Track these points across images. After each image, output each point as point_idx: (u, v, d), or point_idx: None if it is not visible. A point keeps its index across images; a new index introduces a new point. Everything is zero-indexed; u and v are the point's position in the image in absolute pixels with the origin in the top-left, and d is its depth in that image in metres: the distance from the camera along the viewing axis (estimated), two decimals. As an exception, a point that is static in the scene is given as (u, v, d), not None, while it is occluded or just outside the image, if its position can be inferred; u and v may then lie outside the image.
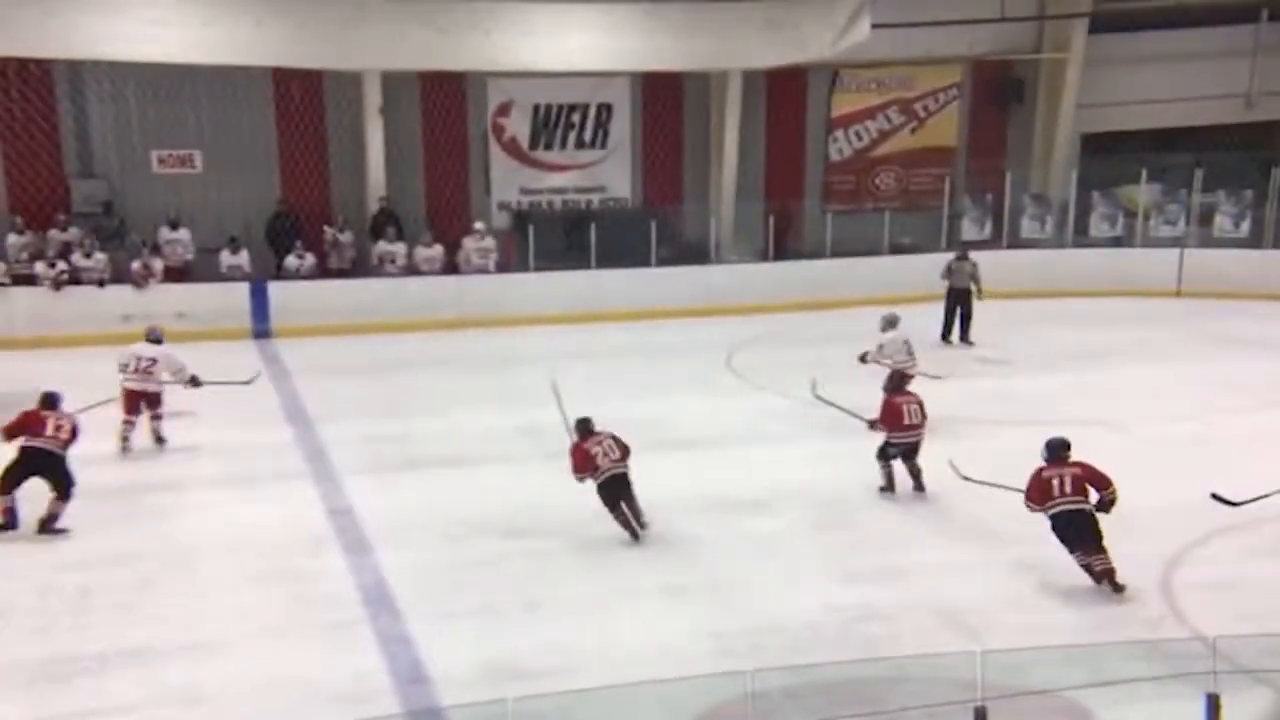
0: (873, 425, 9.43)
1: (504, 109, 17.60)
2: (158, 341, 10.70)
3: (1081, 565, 7.45)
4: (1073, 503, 7.42)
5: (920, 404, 9.40)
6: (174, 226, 15.34)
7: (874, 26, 16.51)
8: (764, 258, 17.84)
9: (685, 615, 7.34)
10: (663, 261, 17.16)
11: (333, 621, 7.28)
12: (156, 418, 10.56)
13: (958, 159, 19.59)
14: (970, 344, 14.78)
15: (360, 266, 16.18)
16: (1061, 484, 7.45)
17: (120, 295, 14.37)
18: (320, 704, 6.29)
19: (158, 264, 14.85)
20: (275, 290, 15.21)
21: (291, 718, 6.18)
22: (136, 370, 10.44)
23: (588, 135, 18.06)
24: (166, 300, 14.55)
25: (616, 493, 8.41)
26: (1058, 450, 7.62)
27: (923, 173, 19.50)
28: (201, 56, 14.50)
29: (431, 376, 13.24)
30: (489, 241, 16.50)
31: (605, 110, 18.04)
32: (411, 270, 16.12)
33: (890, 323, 11.33)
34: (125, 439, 10.36)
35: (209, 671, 6.65)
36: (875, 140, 19.49)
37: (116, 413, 10.35)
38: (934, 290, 15.14)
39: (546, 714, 5.44)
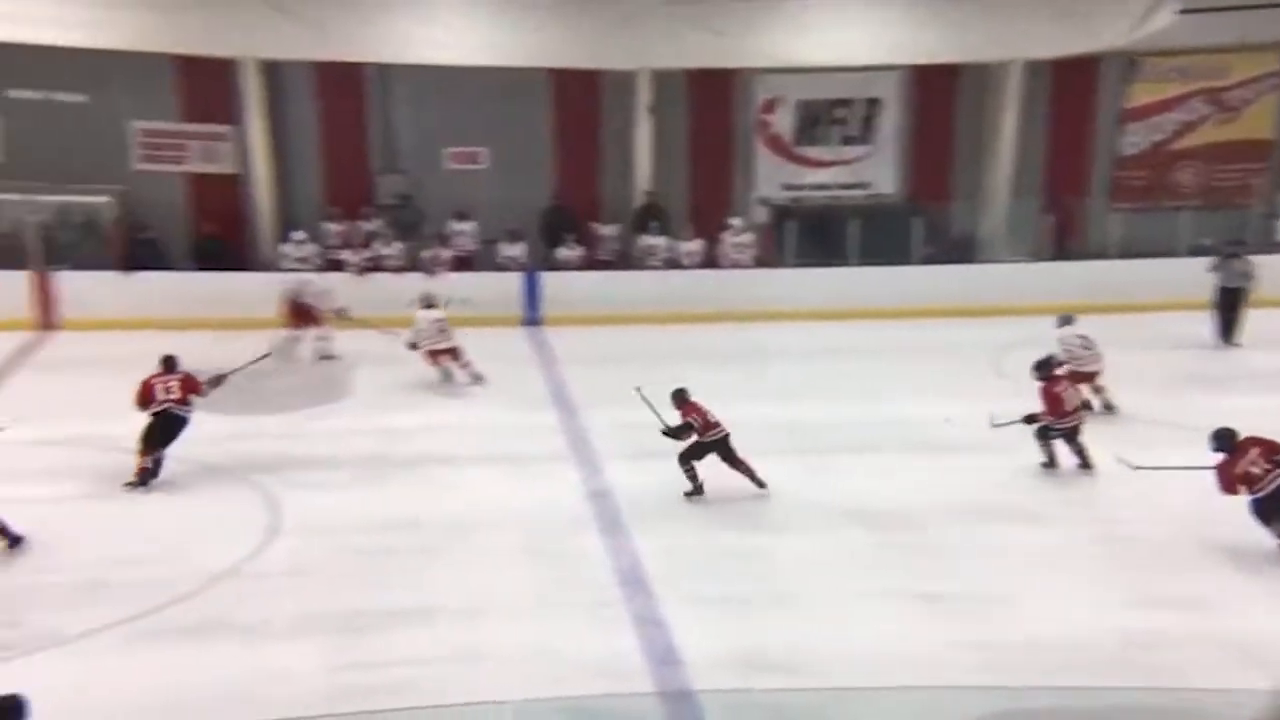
0: (1030, 420, 9.71)
1: (770, 105, 17.68)
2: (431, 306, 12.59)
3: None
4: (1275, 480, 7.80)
5: (1076, 388, 9.87)
6: (461, 219, 16.53)
7: (1182, 12, 15.29)
8: (1039, 257, 16.96)
9: (942, 624, 7.19)
10: (926, 259, 16.68)
11: (592, 599, 7.67)
12: (465, 364, 12.51)
13: (1275, 153, 17.81)
14: (1237, 345, 13.73)
15: (625, 259, 16.78)
16: (1255, 469, 7.84)
17: (414, 281, 15.64)
18: (581, 675, 6.67)
19: (446, 253, 16.05)
20: (547, 280, 16.05)
21: (556, 684, 6.60)
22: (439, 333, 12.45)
23: (853, 130, 17.83)
24: (454, 286, 15.69)
25: (714, 451, 9.31)
26: (1229, 439, 8.03)
27: (1230, 168, 17.88)
28: (491, 59, 15.54)
29: (689, 368, 13.47)
30: (747, 236, 16.66)
31: (873, 105, 17.74)
32: (673, 263, 16.54)
33: (1065, 320, 11.60)
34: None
35: (484, 634, 7.20)
36: (1176, 133, 18.05)
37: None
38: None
39: (796, 708, 5.50)
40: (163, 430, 9.55)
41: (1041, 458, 9.82)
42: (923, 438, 10.62)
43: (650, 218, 16.74)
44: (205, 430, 10.73)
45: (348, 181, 16.61)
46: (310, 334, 13.69)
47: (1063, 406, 9.66)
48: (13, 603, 7.31)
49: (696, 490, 9.38)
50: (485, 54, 15.50)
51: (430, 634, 7.20)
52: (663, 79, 16.60)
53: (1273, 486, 7.77)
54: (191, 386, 9.76)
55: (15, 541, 8.17)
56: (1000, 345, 14.10)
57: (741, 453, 9.41)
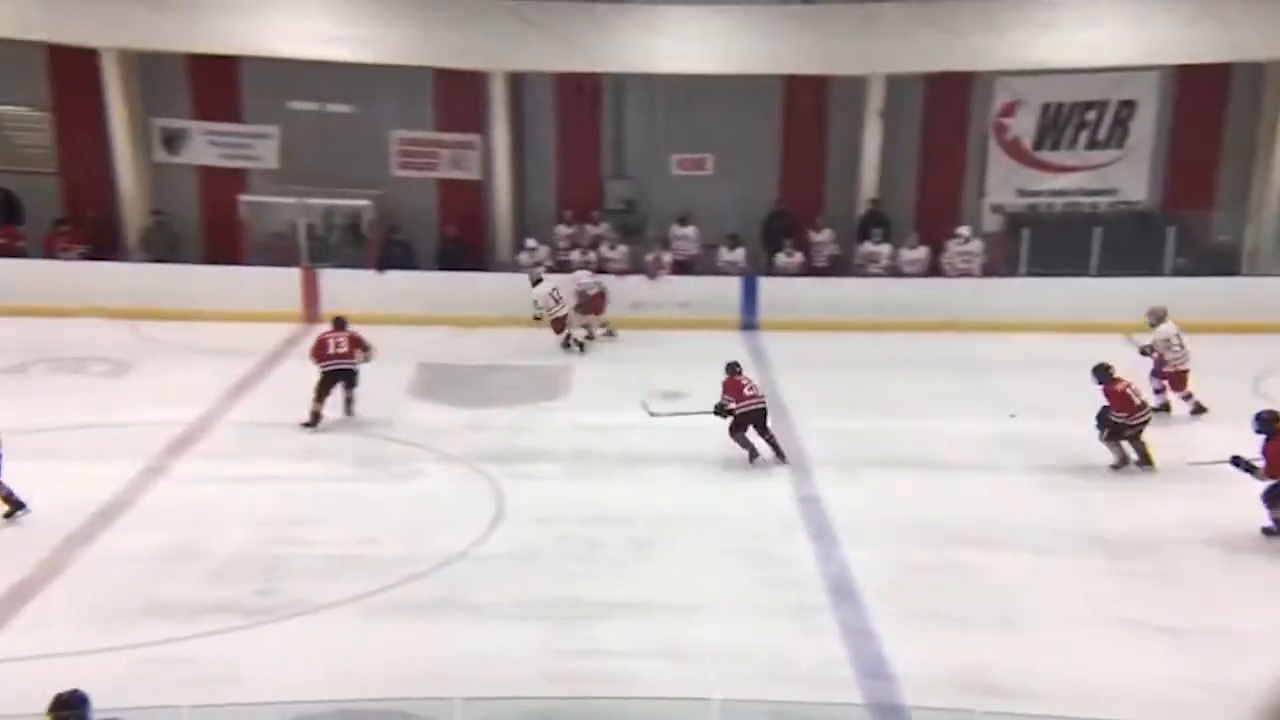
0: (1104, 422, 9.98)
1: (1009, 108, 16.94)
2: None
3: None
4: None
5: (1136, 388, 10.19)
6: (683, 223, 16.83)
7: None
8: (1311, 270, 15.43)
9: (1178, 658, 6.73)
10: (1179, 271, 15.49)
11: (800, 604, 7.68)
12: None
13: None
14: None
15: (843, 266, 16.56)
16: None
17: (634, 284, 16.09)
18: (787, 681, 6.70)
19: (667, 257, 16.39)
20: (765, 285, 16.08)
21: (763, 686, 6.65)
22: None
23: (1102, 134, 16.80)
24: (672, 290, 16.05)
25: (752, 422, 10.29)
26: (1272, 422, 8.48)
27: None
28: (725, 67, 15.77)
29: (908, 377, 13.24)
30: (974, 245, 16.05)
31: (1126, 108, 16.65)
32: (894, 271, 16.18)
33: (1159, 317, 11.72)
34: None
35: (692, 631, 7.37)
36: None
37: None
38: None
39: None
40: (332, 381, 11.04)
41: (1111, 459, 10.05)
42: (1163, 461, 9.94)
43: (873, 225, 16.44)
44: (442, 421, 11.52)
45: (579, 187, 17.26)
46: (594, 321, 14.80)
47: (1132, 404, 10.05)
48: (271, 572, 8.09)
49: (752, 455, 10.35)
50: (720, 62, 15.73)
51: (642, 626, 7.43)
52: (895, 83, 16.27)
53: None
54: (357, 343, 11.15)
55: (17, 508, 8.70)
56: (1262, 364, 12.94)
57: (959, 466, 9.13)
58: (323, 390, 11.04)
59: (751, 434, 10.37)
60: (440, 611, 7.64)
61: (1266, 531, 8.57)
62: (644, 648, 7.16)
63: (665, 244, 16.55)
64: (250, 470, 9.90)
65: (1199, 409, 11.54)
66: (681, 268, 16.41)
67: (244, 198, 15.91)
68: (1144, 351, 11.67)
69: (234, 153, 16.29)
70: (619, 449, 10.79)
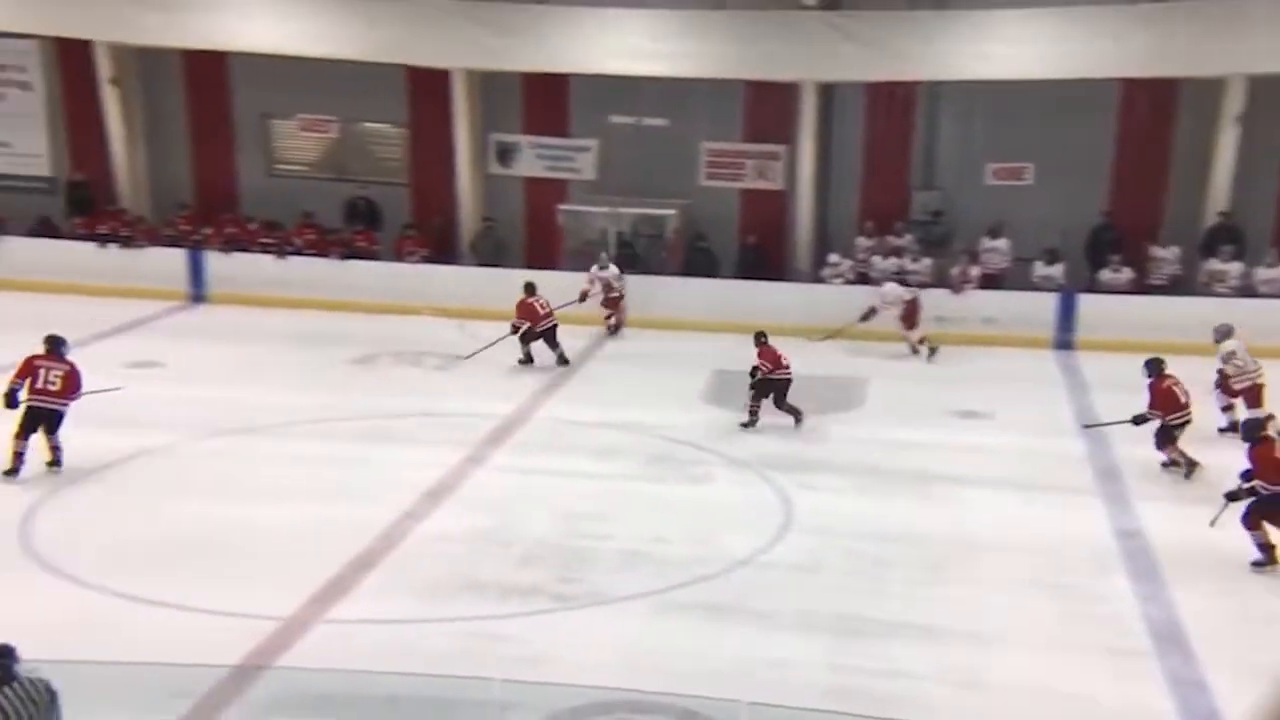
0: (1139, 421, 10.07)
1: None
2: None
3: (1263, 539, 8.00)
4: None
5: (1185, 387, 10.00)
6: (994, 235, 16.04)
7: None
8: None
9: None
10: None
11: (1115, 647, 7.11)
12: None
13: None
14: None
15: (1182, 284, 15.09)
16: None
17: (937, 297, 15.53)
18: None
19: (975, 271, 15.69)
20: (1085, 302, 15.00)
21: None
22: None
23: None
24: (977, 305, 15.34)
25: (775, 390, 11.38)
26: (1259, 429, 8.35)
27: None
28: (1055, 72, 14.86)
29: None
30: (1350, 264, 14.12)
31: None
32: (1246, 291, 14.54)
33: (1225, 334, 11.45)
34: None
35: (989, 662, 7.02)
36: None
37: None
38: None
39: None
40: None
41: (1162, 458, 10.05)
42: None
43: (1222, 240, 14.88)
44: (733, 427, 11.68)
45: (884, 197, 16.91)
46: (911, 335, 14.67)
47: (1177, 400, 10.00)
48: (573, 562, 8.54)
49: (751, 423, 11.34)
50: (1052, 66, 14.84)
51: (933, 651, 7.18)
52: (1258, 85, 14.65)
53: None
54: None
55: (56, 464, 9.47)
56: None
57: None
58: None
59: (767, 404, 11.31)
60: (726, 614, 7.76)
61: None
62: (935, 673, 6.90)
63: (973, 257, 15.86)
64: (556, 464, 10.51)
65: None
66: (990, 282, 15.66)
67: (562, 206, 16.93)
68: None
69: (557, 164, 17.39)
70: (913, 466, 10.47)
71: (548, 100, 17.16)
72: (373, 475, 9.97)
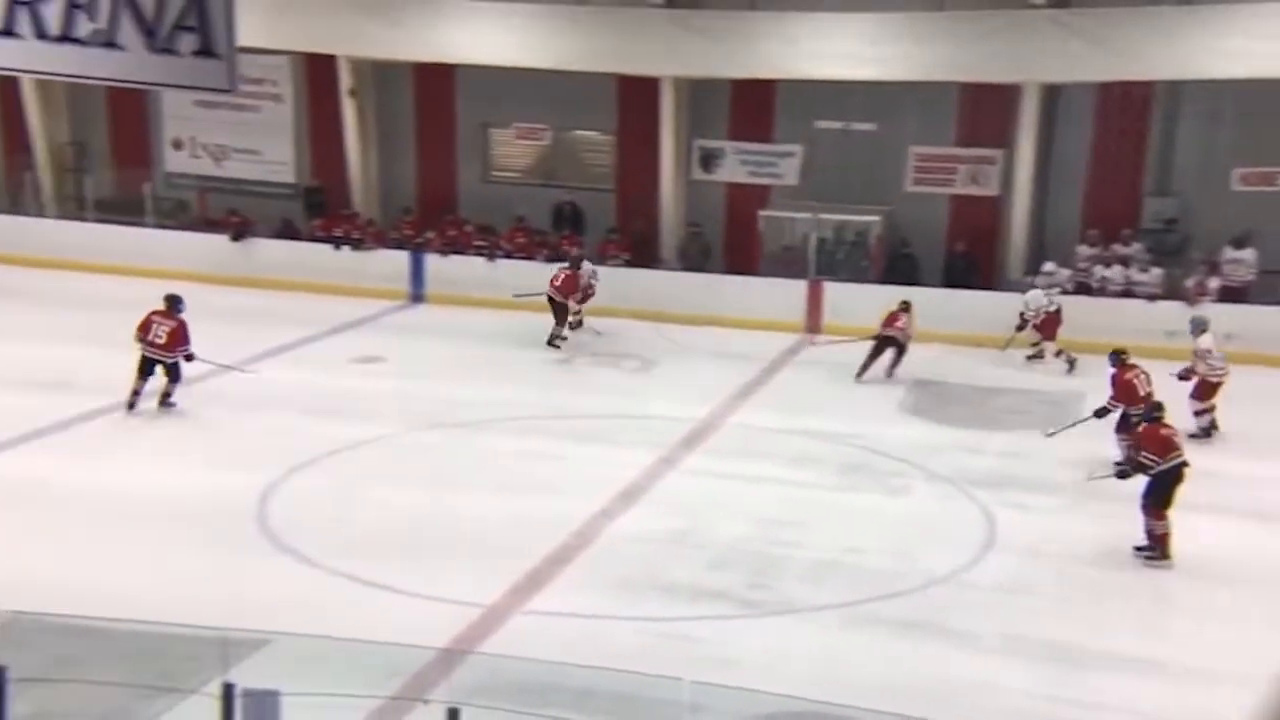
0: (1101, 413, 10.09)
1: None
2: None
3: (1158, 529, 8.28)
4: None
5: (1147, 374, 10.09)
6: (1239, 245, 14.80)
7: None
8: None
9: None
10: None
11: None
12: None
13: None
14: None
15: None
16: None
17: (1168, 310, 14.48)
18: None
19: (1213, 283, 14.54)
20: (1340, 320, 13.64)
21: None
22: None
23: None
24: (1216, 319, 14.20)
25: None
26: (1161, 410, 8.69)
27: None
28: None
29: None
30: None
31: None
32: None
33: (1201, 327, 11.43)
34: None
35: (1216, 703, 6.49)
36: None
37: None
38: None
39: None
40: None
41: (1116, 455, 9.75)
42: None
43: None
44: (934, 440, 11.31)
45: (1110, 204, 15.94)
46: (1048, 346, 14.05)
47: (1135, 393, 9.92)
48: (764, 569, 8.49)
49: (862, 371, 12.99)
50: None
51: (1157, 688, 6.72)
52: None
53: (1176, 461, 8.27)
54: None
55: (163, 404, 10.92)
56: None
57: None
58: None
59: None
60: (922, 631, 7.52)
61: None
62: (1154, 711, 6.45)
63: (1212, 268, 14.70)
64: (750, 469, 10.49)
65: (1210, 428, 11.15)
66: (1231, 295, 14.48)
67: (763, 212, 16.89)
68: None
69: (760, 170, 17.35)
70: (1135, 488, 9.79)
71: (754, 106, 17.15)
72: (571, 472, 10.26)
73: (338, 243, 17.49)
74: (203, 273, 16.20)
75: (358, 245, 17.43)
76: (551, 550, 8.59)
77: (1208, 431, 11.32)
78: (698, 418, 11.86)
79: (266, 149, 19.10)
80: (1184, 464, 8.44)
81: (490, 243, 17.20)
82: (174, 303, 11.58)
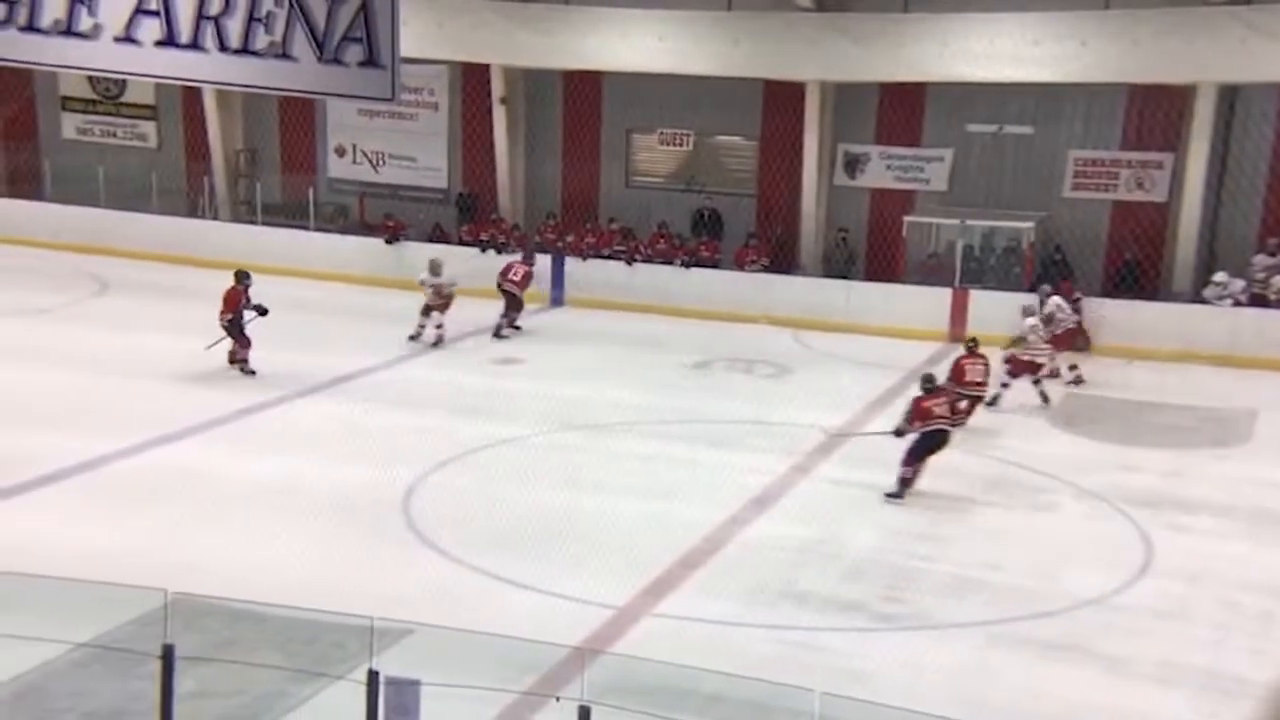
0: (899, 433, 9.97)
1: None
2: None
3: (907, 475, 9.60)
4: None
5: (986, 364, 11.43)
6: None
7: None
8: None
9: None
10: None
11: None
12: None
13: None
14: None
15: None
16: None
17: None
18: None
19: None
20: None
21: None
22: None
23: None
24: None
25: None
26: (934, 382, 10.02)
27: None
28: None
29: None
30: None
31: None
32: None
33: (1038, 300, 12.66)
34: None
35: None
36: None
37: None
38: None
39: None
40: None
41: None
42: None
43: None
44: (1087, 456, 10.81)
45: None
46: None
47: (964, 375, 11.15)
48: (899, 581, 8.28)
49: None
50: None
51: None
52: None
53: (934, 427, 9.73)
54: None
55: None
56: None
57: None
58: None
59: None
60: (1070, 655, 7.19)
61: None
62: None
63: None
64: (884, 480, 10.25)
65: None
66: None
67: (908, 218, 16.51)
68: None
69: (906, 175, 16.99)
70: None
71: (902, 109, 16.82)
72: (703, 477, 10.24)
73: (483, 246, 17.98)
74: (359, 274, 16.92)
75: (501, 249, 17.89)
76: (683, 554, 8.60)
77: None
78: (834, 425, 11.68)
79: (422, 156, 19.82)
80: (940, 430, 9.74)
81: (630, 248, 17.37)
82: (241, 277, 12.94)
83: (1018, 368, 12.36)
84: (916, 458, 9.75)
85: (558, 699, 5.80)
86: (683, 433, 11.55)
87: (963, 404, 10.61)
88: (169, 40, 9.71)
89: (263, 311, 12.71)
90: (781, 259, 17.12)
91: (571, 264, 17.44)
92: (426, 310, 14.49)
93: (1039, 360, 12.48)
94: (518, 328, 15.33)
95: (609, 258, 17.33)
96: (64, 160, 20.57)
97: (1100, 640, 7.35)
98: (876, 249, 17.01)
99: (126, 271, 17.61)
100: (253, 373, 12.72)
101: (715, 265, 17.06)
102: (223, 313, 12.76)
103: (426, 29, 16.11)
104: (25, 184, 20.47)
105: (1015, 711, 6.39)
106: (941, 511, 9.58)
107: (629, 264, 17.14)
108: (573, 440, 11.32)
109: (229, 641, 6.63)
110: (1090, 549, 8.84)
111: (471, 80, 18.82)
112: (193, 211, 20.08)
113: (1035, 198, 16.07)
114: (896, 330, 15.20)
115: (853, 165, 17.25)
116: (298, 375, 12.62)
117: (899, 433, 9.89)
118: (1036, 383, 12.45)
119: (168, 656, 5.25)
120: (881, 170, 17.10)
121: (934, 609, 7.87)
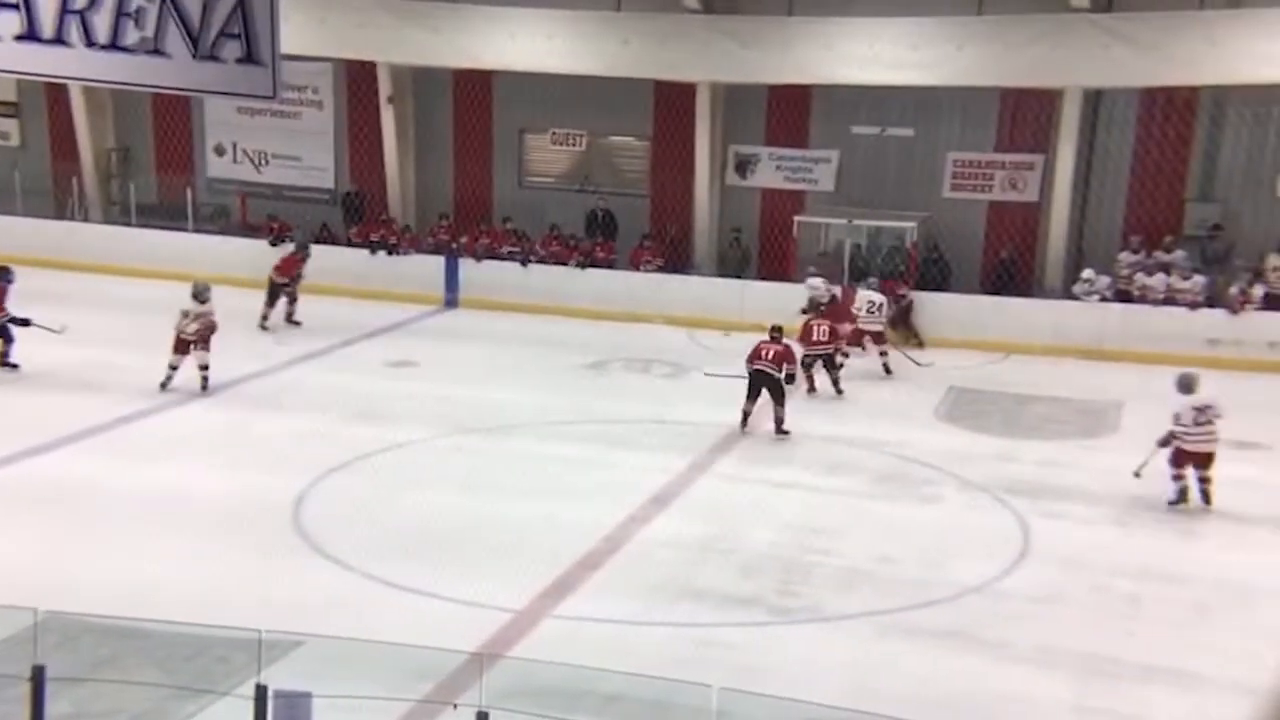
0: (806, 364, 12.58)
1: None
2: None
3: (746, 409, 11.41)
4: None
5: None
6: (1286, 252, 14.57)
7: None
8: None
9: None
10: None
11: None
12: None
13: None
14: None
15: None
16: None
17: (1210, 319, 14.25)
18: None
19: (1258, 290, 14.30)
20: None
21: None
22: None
23: None
24: (1259, 328, 13.99)
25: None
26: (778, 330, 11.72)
27: None
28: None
29: None
30: None
31: None
32: None
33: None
34: None
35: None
36: None
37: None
38: None
39: None
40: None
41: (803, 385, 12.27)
42: None
43: None
44: (969, 448, 11.20)
45: (1152, 211, 15.72)
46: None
47: (811, 336, 12.68)
48: (794, 576, 8.43)
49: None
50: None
51: (1194, 701, 6.61)
52: None
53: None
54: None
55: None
56: None
57: None
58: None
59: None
60: (955, 642, 7.44)
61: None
62: (1191, 725, 6.34)
63: (1256, 275, 14.45)
64: (782, 476, 10.44)
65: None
66: (1276, 302, 14.23)
67: (799, 218, 16.82)
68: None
69: (795, 176, 17.30)
70: (1166, 489, 9.66)
71: (790, 111, 17.11)
72: (601, 477, 10.26)
73: (374, 247, 17.64)
74: (242, 277, 16.40)
75: (392, 250, 17.57)
76: (582, 555, 8.60)
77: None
78: (730, 423, 11.82)
79: (306, 155, 19.33)
80: (758, 371, 11.32)
81: (524, 248, 17.27)
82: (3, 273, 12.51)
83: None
84: (750, 393, 11.42)
85: (455, 706, 5.73)
86: (580, 433, 11.54)
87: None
88: (30, 35, 9.22)
89: (23, 322, 12.34)
90: (676, 259, 17.24)
91: (465, 265, 17.25)
92: (184, 347, 12.07)
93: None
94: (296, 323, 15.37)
95: (503, 258, 17.21)
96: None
97: (984, 627, 7.61)
98: (770, 248, 17.28)
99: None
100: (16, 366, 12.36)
101: (610, 266, 17.09)
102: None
103: (309, 25, 15.69)
104: None
105: (907, 700, 6.56)
106: (835, 506, 9.80)
107: (524, 265, 17.04)
108: (469, 443, 11.20)
109: (106, 660, 6.37)
110: (974, 538, 9.15)
111: (357, 78, 18.43)
112: (60, 213, 19.18)
113: (918, 198, 16.56)
114: (790, 329, 15.44)
115: (744, 166, 17.49)
116: (178, 381, 12.15)
117: (789, 378, 11.40)
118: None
119: (37, 678, 5.01)
120: (772, 171, 17.38)
121: (828, 602, 8.05)
